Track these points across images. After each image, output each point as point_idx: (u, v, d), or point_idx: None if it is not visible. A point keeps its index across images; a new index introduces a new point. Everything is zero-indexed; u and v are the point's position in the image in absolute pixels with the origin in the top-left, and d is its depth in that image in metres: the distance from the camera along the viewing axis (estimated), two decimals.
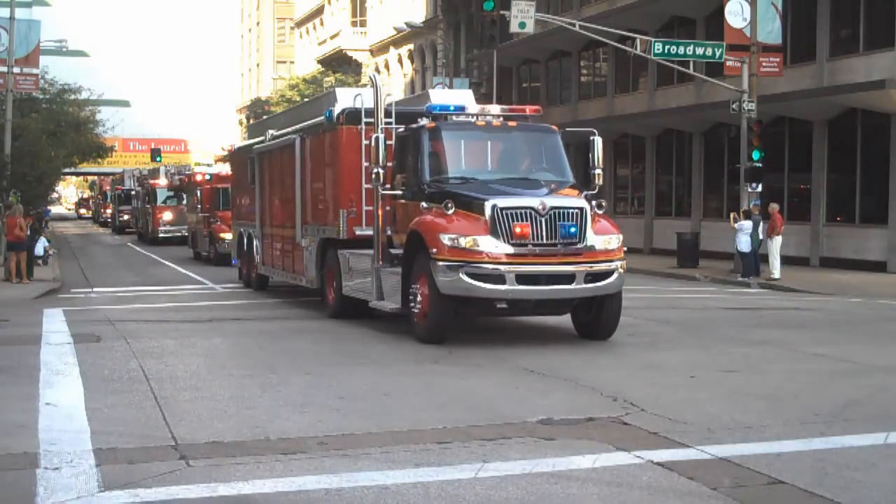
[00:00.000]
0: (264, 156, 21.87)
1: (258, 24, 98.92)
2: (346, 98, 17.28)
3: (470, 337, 14.47)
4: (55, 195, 77.33)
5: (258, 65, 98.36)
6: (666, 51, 27.81)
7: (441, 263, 13.11)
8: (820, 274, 27.75)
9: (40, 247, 30.46)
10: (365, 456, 7.89)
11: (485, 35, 34.91)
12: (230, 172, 31.94)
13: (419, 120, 15.11)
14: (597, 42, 36.69)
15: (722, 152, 34.49)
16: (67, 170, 58.32)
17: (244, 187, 24.05)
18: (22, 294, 22.29)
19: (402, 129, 15.35)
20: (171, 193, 45.48)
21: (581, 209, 13.30)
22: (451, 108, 15.35)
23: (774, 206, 26.62)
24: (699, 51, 28.15)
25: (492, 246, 13.02)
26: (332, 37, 72.28)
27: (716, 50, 27.76)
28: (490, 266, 13.00)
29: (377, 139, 14.40)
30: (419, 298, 13.65)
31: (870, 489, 7.11)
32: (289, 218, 19.74)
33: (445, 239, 13.14)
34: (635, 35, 29.74)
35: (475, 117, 15.32)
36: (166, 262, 34.15)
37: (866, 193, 29.12)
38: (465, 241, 13.03)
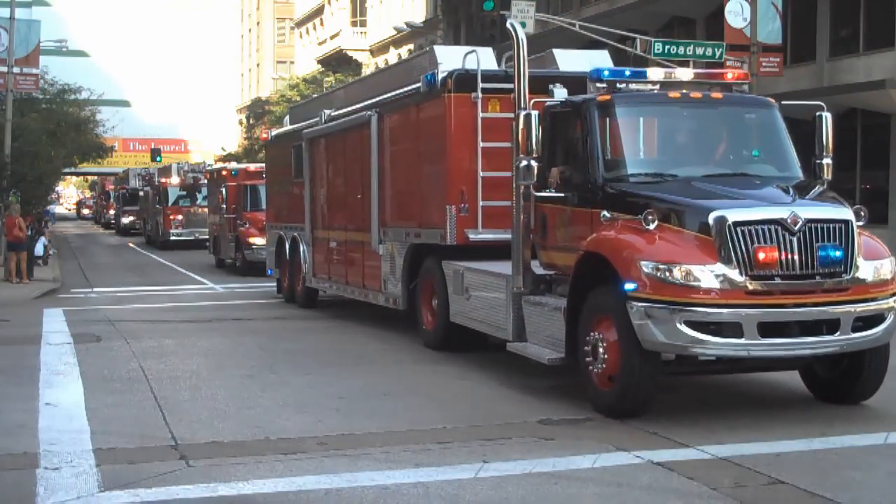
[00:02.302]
0: (318, 141, 17.88)
1: (258, 24, 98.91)
2: (451, 58, 13.24)
3: None
4: (55, 195, 77.18)
5: (258, 65, 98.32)
6: (666, 51, 27.79)
7: (643, 305, 8.89)
8: None
9: (40, 247, 30.46)
10: (365, 456, 7.90)
11: (485, 35, 34.84)
12: (258, 167, 30.02)
13: (550, 88, 11.22)
14: (597, 42, 36.65)
15: None
16: (67, 170, 58.30)
17: (286, 181, 20.09)
18: (22, 294, 22.28)
19: (556, 103, 10.90)
20: (184, 193, 41.86)
21: (846, 223, 9.18)
22: (627, 72, 10.94)
23: None
24: (699, 51, 28.14)
25: (720, 279, 8.82)
26: (332, 37, 72.29)
27: (716, 50, 27.75)
28: (720, 310, 8.80)
29: (528, 117, 10.15)
30: (602, 352, 9.36)
31: (870, 489, 7.12)
32: (357, 217, 15.83)
33: (648, 267, 8.92)
34: (635, 35, 29.73)
35: (665, 87, 10.79)
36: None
37: (866, 193, 29.11)
38: (679, 272, 8.84)
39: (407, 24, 55.71)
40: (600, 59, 13.78)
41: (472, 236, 12.62)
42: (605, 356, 9.35)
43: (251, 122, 77.40)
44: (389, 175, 14.80)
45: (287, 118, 21.48)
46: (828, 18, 30.13)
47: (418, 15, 60.11)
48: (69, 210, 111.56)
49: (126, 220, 56.17)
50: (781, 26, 28.31)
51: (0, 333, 15.85)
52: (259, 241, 25.81)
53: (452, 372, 11.77)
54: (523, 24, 28.74)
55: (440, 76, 12.95)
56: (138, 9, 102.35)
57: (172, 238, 41.11)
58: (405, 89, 14.09)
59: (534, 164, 10.15)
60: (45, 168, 35.79)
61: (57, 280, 26.07)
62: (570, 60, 13.62)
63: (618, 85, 10.64)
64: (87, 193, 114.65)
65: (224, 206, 30.45)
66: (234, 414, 9.57)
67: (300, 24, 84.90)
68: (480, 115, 12.56)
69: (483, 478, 7.31)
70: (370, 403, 10.02)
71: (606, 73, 10.76)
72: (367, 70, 62.89)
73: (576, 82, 11.26)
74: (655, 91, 10.76)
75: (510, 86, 11.16)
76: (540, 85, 11.27)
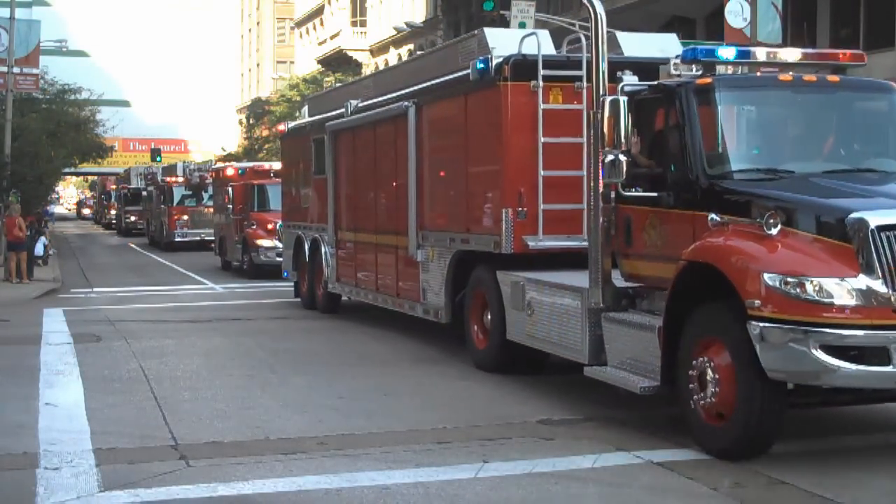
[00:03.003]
0: (344, 134, 16.31)
1: (258, 24, 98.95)
2: (503, 42, 11.69)
3: None
4: (55, 195, 77.20)
5: (258, 65, 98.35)
6: None
7: (768, 325, 7.43)
8: None
9: (40, 247, 30.46)
10: (365, 456, 7.91)
11: None
12: (263, 165, 29.73)
13: (619, 75, 9.30)
14: None
15: None
16: (67, 170, 58.26)
17: (305, 178, 18.66)
18: (22, 294, 22.28)
19: (641, 88, 9.24)
20: (190, 192, 40.23)
21: None
22: (728, 53, 9.26)
23: None
24: None
25: (862, 295, 7.35)
26: (332, 37, 72.30)
27: None
28: (862, 332, 7.31)
29: (615, 103, 8.72)
30: (712, 380, 7.90)
31: (870, 489, 7.13)
32: (390, 219, 14.47)
33: (773, 280, 7.47)
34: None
35: (773, 69, 9.27)
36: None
37: None
38: (811, 287, 7.38)
39: (407, 24, 55.73)
40: (669, 44, 12.20)
41: (531, 244, 11.07)
42: (717, 386, 7.87)
43: (251, 122, 77.42)
44: (430, 173, 13.35)
45: (305, 109, 20.31)
46: (828, 18, 30.15)
47: (418, 15, 60.13)
48: (69, 210, 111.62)
49: (128, 220, 55.51)
50: (781, 26, 28.33)
51: (0, 333, 15.85)
52: (267, 242, 25.05)
53: (452, 372, 11.77)
54: (523, 25, 28.77)
55: (494, 62, 11.34)
56: (138, 9, 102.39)
57: (178, 239, 39.38)
58: (449, 77, 12.57)
59: (622, 158, 8.69)
60: (45, 168, 35.82)
61: (57, 280, 26.07)
62: (636, 44, 12.03)
63: (717, 68, 9.15)
64: (88, 193, 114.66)
65: (230, 206, 29.04)
66: (234, 414, 9.57)
67: (300, 24, 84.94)
68: (541, 105, 11.05)
69: (483, 478, 7.31)
70: (370, 403, 10.02)
71: (702, 52, 9.25)
72: (367, 70, 62.83)
73: (645, 69, 9.66)
74: (764, 74, 9.28)
75: (574, 73, 10.43)
76: (611, 69, 9.70)
